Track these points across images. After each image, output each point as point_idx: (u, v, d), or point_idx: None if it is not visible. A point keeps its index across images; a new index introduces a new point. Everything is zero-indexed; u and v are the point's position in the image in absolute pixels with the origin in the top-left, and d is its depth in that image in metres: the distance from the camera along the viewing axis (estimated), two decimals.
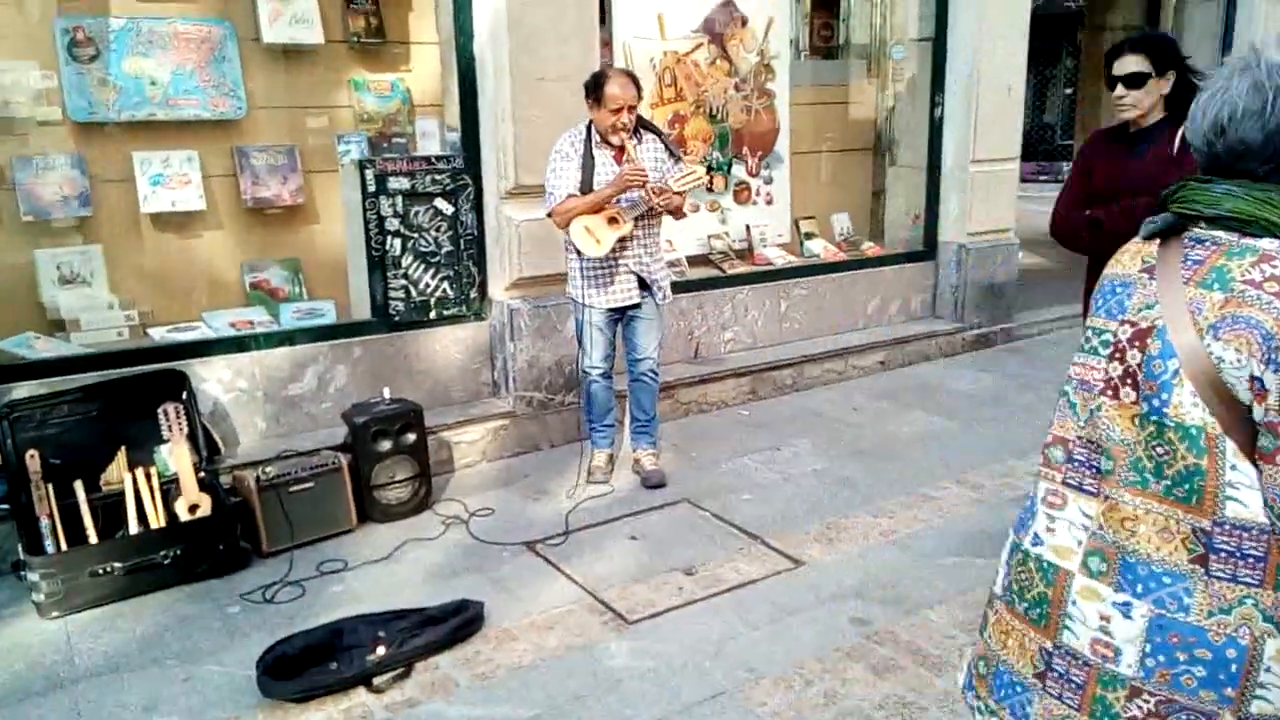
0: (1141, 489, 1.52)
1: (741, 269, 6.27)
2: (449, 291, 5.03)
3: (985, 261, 6.87)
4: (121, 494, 3.82)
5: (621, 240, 4.28)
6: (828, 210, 7.02)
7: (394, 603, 3.57)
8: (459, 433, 4.92)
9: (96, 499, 3.80)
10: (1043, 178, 15.07)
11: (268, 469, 4.08)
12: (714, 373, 5.79)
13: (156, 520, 3.83)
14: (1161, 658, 1.49)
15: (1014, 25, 6.65)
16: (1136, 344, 1.54)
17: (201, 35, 4.64)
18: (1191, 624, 1.46)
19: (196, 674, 3.19)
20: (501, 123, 4.86)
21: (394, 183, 4.79)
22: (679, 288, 5.48)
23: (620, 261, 4.36)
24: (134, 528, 3.78)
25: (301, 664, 3.12)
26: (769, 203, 6.61)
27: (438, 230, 4.95)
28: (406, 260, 4.88)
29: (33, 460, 3.68)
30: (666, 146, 4.44)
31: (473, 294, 5.10)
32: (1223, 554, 1.44)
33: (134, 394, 4.04)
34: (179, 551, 3.75)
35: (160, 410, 3.90)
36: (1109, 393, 1.57)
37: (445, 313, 5.04)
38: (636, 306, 4.47)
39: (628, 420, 4.88)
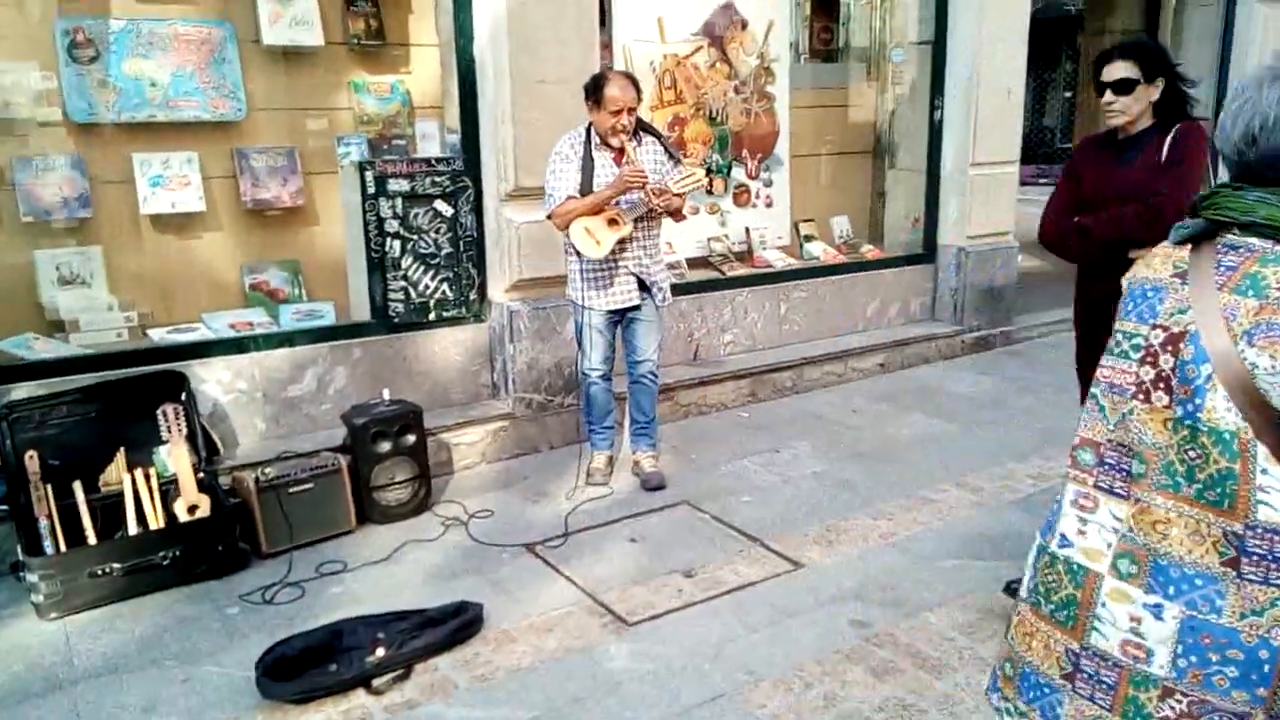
0: (1173, 492, 1.53)
1: (741, 271, 6.28)
2: (448, 293, 5.03)
3: (985, 264, 6.87)
4: (121, 495, 3.81)
5: (621, 242, 4.28)
6: (827, 213, 7.03)
7: (393, 604, 3.57)
8: (458, 434, 4.92)
9: (95, 500, 3.80)
10: (1042, 181, 15.08)
11: (267, 470, 4.07)
12: (713, 375, 5.79)
13: (155, 521, 3.82)
14: (1194, 659, 1.50)
15: (1013, 28, 6.65)
16: (1169, 348, 1.55)
17: (201, 37, 4.64)
18: (1224, 626, 1.47)
19: (195, 675, 3.19)
20: (501, 125, 4.86)
21: (394, 184, 4.79)
22: (679, 290, 5.48)
23: (620, 263, 4.36)
24: (133, 528, 3.78)
25: (301, 665, 3.11)
26: (769, 205, 6.62)
27: (437, 232, 4.95)
28: (406, 262, 4.88)
29: (32, 461, 3.67)
30: (666, 149, 4.44)
31: (472, 296, 5.10)
32: (1255, 557, 1.46)
33: (133, 395, 4.04)
34: (178, 552, 3.74)
35: (159, 411, 3.89)
36: (1140, 396, 1.58)
37: (445, 314, 5.04)
38: (636, 308, 4.47)
39: (627, 422, 4.88)
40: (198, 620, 3.54)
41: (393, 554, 4.03)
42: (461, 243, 5.02)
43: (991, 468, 4.81)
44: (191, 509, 3.85)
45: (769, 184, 6.59)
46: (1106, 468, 1.64)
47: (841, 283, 6.56)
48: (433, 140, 5.24)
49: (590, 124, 4.32)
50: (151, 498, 3.85)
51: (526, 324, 4.99)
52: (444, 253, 4.98)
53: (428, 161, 4.94)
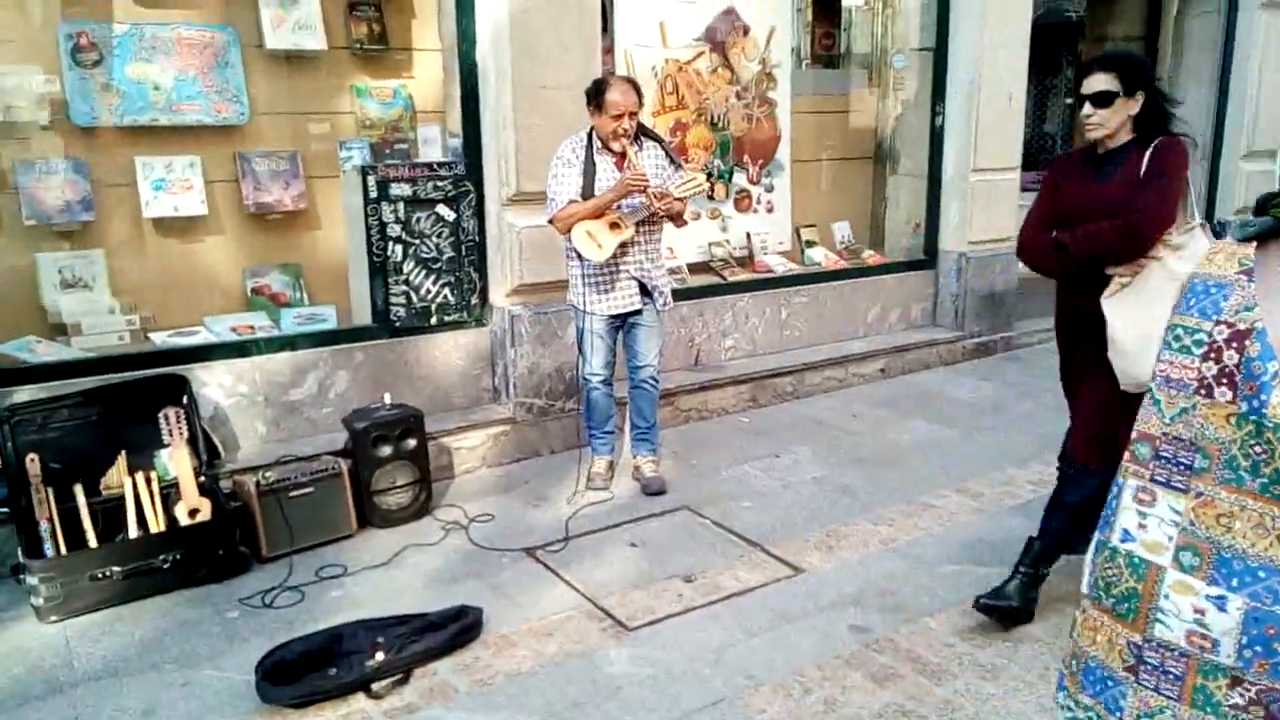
0: (1237, 486, 1.55)
1: (742, 276, 6.28)
2: (450, 297, 5.03)
3: (985, 270, 6.87)
4: (121, 498, 3.82)
5: (623, 246, 4.29)
6: (828, 218, 7.03)
7: (393, 608, 3.57)
8: (459, 438, 4.92)
9: (96, 503, 3.80)
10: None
11: (268, 474, 4.08)
12: (714, 380, 5.79)
13: (156, 524, 3.82)
14: (1259, 648, 1.52)
15: (1015, 35, 6.66)
16: (1234, 345, 1.56)
17: (205, 41, 4.65)
18: None
19: (195, 679, 3.19)
20: (503, 129, 4.87)
21: (396, 189, 4.80)
22: (680, 295, 5.49)
23: (621, 267, 4.37)
24: (134, 532, 3.78)
25: (300, 669, 3.11)
26: (770, 210, 6.62)
27: (439, 236, 4.95)
28: (408, 266, 4.89)
29: (33, 464, 3.67)
30: (667, 154, 4.45)
31: (474, 300, 5.10)
32: None
33: (134, 398, 4.04)
34: (178, 556, 3.75)
35: (161, 414, 3.90)
36: (1202, 392, 1.60)
37: (446, 319, 5.04)
38: (637, 313, 4.47)
39: (628, 427, 4.88)
40: (198, 624, 3.54)
41: (393, 558, 4.03)
42: (463, 247, 5.03)
43: (992, 473, 4.81)
44: (192, 512, 3.85)
45: (770, 189, 6.60)
46: (1163, 461, 1.65)
47: (843, 288, 6.57)
48: (435, 145, 5.25)
49: (592, 129, 4.33)
50: (152, 501, 3.85)
51: (528, 328, 4.99)
52: (445, 257, 4.99)
53: (430, 166, 4.95)
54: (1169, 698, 1.62)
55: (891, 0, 7.06)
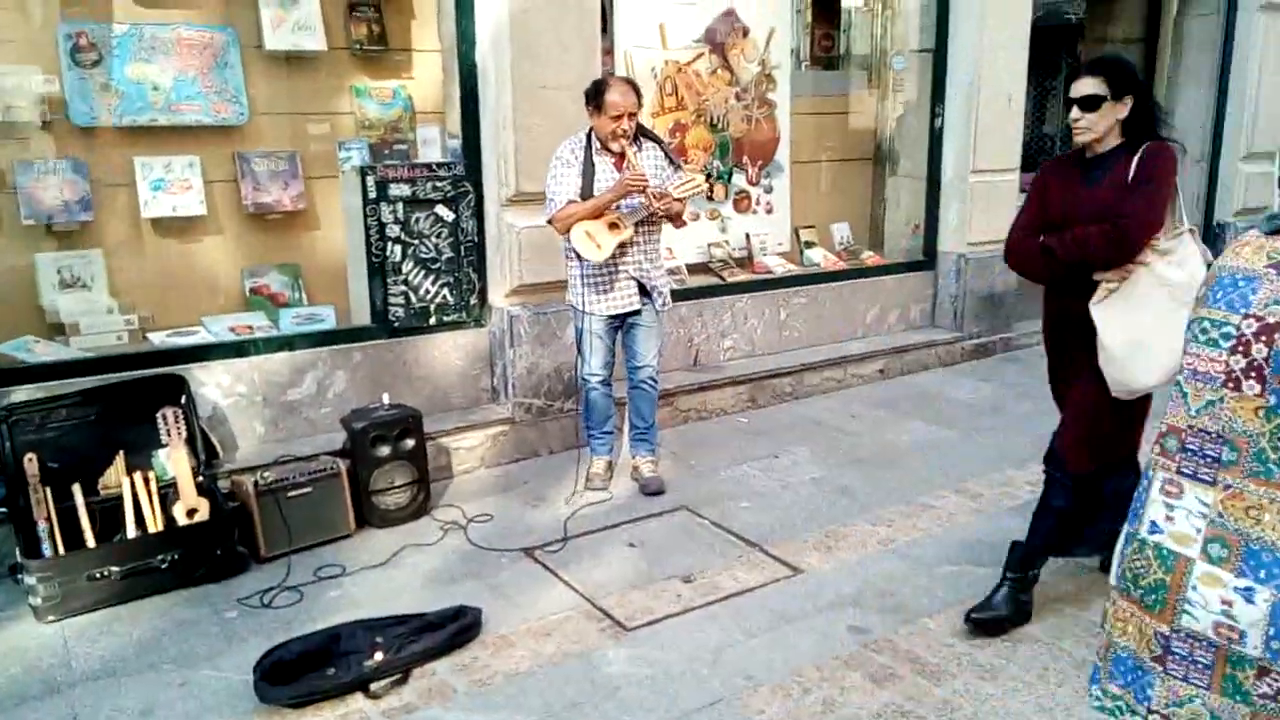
0: (1266, 479, 1.56)
1: (741, 277, 6.28)
2: (449, 298, 5.03)
3: (984, 271, 6.87)
4: (119, 498, 3.81)
5: (622, 246, 4.29)
6: (828, 219, 7.03)
7: (392, 608, 3.56)
8: (458, 439, 4.92)
9: (94, 503, 3.79)
10: None
11: (266, 474, 4.07)
12: (713, 380, 5.79)
13: (154, 524, 3.82)
14: None
15: (1014, 36, 6.67)
16: (1263, 338, 1.57)
17: (204, 41, 4.65)
18: None
19: (193, 679, 3.18)
20: (502, 130, 4.87)
21: (395, 189, 4.80)
22: (679, 295, 5.49)
23: (620, 267, 4.37)
24: (132, 532, 3.77)
25: (299, 669, 3.11)
26: (769, 211, 6.62)
27: (438, 237, 4.95)
28: (407, 266, 4.89)
29: (31, 464, 3.67)
30: (666, 154, 4.45)
31: (473, 300, 5.10)
32: None
33: (133, 398, 4.04)
34: (177, 556, 3.74)
35: (159, 414, 3.90)
36: (1230, 385, 1.60)
37: (445, 319, 5.04)
38: (636, 313, 4.47)
39: (627, 427, 4.88)
40: (196, 624, 3.53)
41: (391, 558, 4.03)
42: (462, 247, 5.03)
43: (991, 474, 4.81)
44: (190, 512, 3.85)
45: (769, 190, 6.60)
46: (1189, 454, 1.66)
47: (841, 289, 6.57)
48: (434, 145, 5.25)
49: (591, 129, 4.33)
50: (150, 501, 3.84)
51: (527, 329, 4.99)
52: (445, 257, 4.98)
53: (429, 166, 4.94)
54: (1199, 686, 1.64)
55: (891, 2, 7.07)
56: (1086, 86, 3.14)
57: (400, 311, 4.91)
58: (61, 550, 3.64)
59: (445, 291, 5.02)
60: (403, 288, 4.90)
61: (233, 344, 4.56)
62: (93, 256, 4.57)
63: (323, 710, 3.00)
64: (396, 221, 4.83)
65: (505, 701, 3.02)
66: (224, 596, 3.72)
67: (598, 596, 3.67)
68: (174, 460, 3.89)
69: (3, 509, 3.78)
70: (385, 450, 4.31)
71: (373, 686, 3.07)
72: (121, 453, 3.94)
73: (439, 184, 4.91)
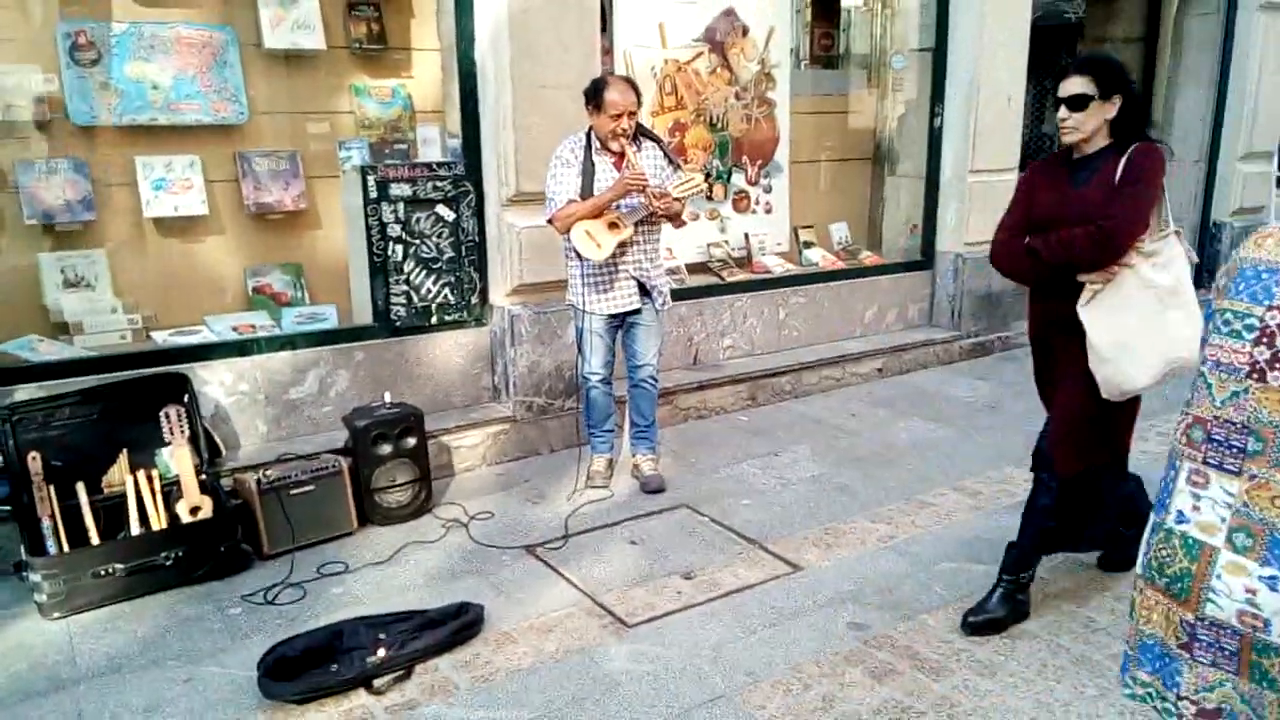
0: None
1: (740, 277, 6.30)
2: (450, 297, 5.05)
3: (982, 271, 6.87)
4: (123, 496, 3.83)
5: (622, 245, 4.30)
6: (826, 219, 7.05)
7: (394, 605, 3.58)
8: (459, 437, 4.94)
9: (98, 501, 3.81)
10: None
11: (269, 472, 4.09)
12: (713, 379, 5.81)
13: (158, 522, 3.84)
14: None
15: (1014, 36, 6.68)
16: None
17: (203, 40, 4.66)
18: None
19: (197, 675, 3.20)
20: (502, 129, 4.88)
21: (395, 189, 4.82)
22: (678, 295, 5.51)
23: (620, 266, 4.38)
24: (135, 529, 3.79)
25: (302, 666, 3.13)
26: (768, 211, 6.64)
27: (439, 236, 4.97)
28: (408, 266, 4.91)
29: (35, 462, 3.69)
30: (665, 154, 4.46)
31: (474, 300, 5.12)
32: None
33: (136, 397, 4.05)
34: (180, 553, 3.76)
35: (162, 413, 3.91)
36: (1255, 376, 1.62)
37: (446, 318, 5.06)
38: (636, 312, 4.49)
39: (627, 426, 4.90)
40: (200, 620, 3.55)
41: (394, 555, 4.05)
42: (463, 247, 5.04)
43: (989, 472, 4.83)
44: (194, 510, 3.87)
45: (769, 190, 6.61)
46: (1215, 444, 1.68)
47: (840, 288, 6.59)
48: (434, 145, 5.26)
49: (590, 128, 4.35)
50: (154, 499, 3.86)
51: (527, 328, 5.01)
52: (445, 257, 5.00)
53: (429, 166, 4.96)
54: (1227, 671, 1.66)
55: (890, 1, 7.08)
56: (1074, 86, 3.11)
57: (402, 311, 4.93)
58: (66, 548, 3.66)
59: (446, 291, 5.03)
60: (404, 287, 4.91)
61: (235, 343, 4.58)
62: (95, 256, 4.58)
63: (326, 706, 3.01)
64: (397, 221, 4.84)
65: (507, 698, 3.04)
66: (227, 593, 3.74)
67: (599, 593, 3.69)
68: (177, 458, 3.91)
69: (7, 507, 3.79)
70: (387, 448, 4.32)
71: (376, 683, 3.09)
72: (125, 451, 3.96)
73: (439, 183, 4.93)
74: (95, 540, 3.70)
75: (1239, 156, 8.61)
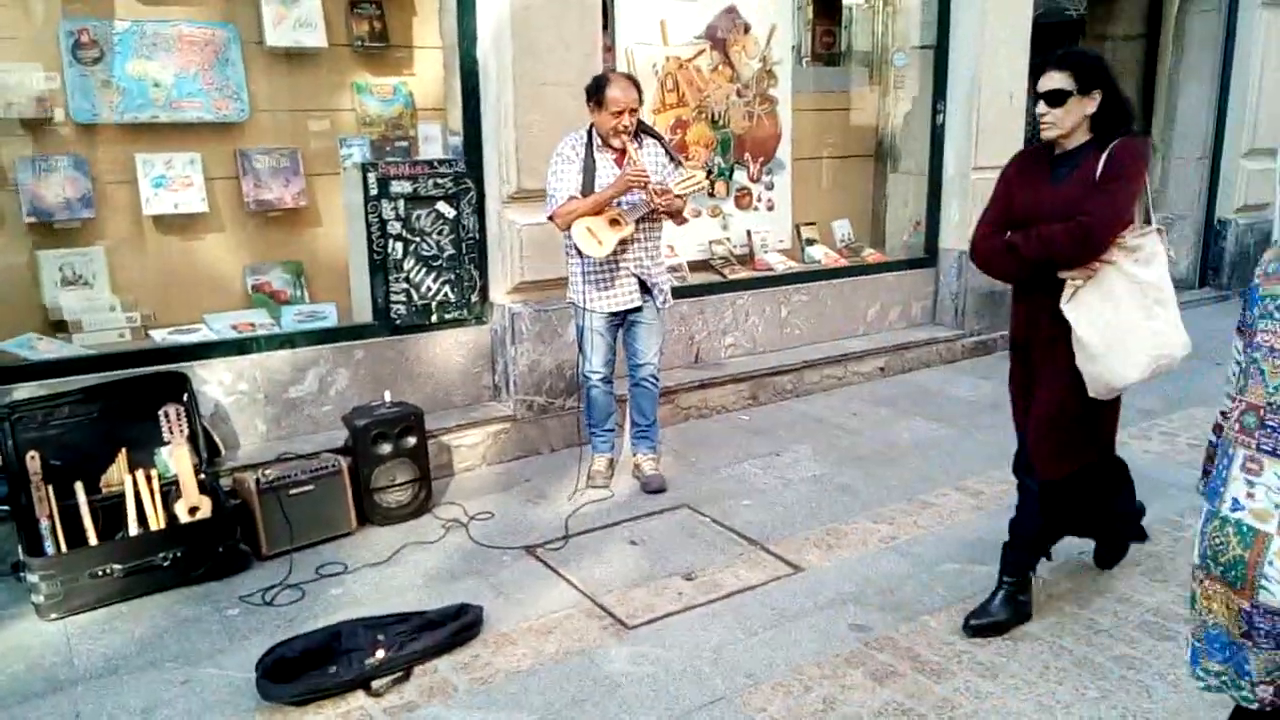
0: None
1: (742, 274, 6.28)
2: (450, 295, 5.03)
3: None
4: (122, 495, 3.82)
5: (623, 242, 4.29)
6: (829, 216, 7.03)
7: (393, 606, 3.57)
8: (459, 436, 4.92)
9: (97, 500, 3.80)
10: None
11: (268, 471, 4.08)
12: (714, 378, 5.79)
13: (156, 522, 3.83)
14: None
15: (1016, 33, 6.66)
16: None
17: (205, 38, 4.65)
18: None
19: (195, 676, 3.19)
20: (504, 127, 4.87)
21: (396, 186, 4.80)
22: (680, 293, 5.49)
23: (621, 264, 4.37)
24: (134, 529, 3.78)
25: (300, 667, 3.12)
26: (770, 208, 6.62)
27: (439, 234, 4.95)
28: (408, 264, 4.89)
29: (33, 461, 3.68)
30: (667, 151, 4.44)
31: (474, 298, 5.10)
32: None
33: (135, 395, 4.04)
34: (179, 553, 3.75)
35: (161, 412, 3.90)
36: None
37: (446, 316, 5.04)
38: (637, 310, 4.47)
39: (628, 425, 4.89)
40: (198, 621, 3.54)
41: (393, 556, 4.03)
42: (463, 245, 5.03)
43: (991, 472, 4.81)
44: (192, 510, 3.85)
45: (770, 187, 6.60)
46: (1269, 430, 1.69)
47: (842, 286, 6.57)
48: (435, 142, 5.25)
49: (592, 125, 4.33)
50: (152, 499, 3.85)
51: (528, 326, 5.00)
52: (446, 254, 4.99)
53: (430, 163, 4.94)
54: None
55: None
56: (1052, 81, 3.06)
57: (402, 309, 4.91)
58: (64, 548, 3.65)
59: (447, 289, 5.02)
60: (404, 285, 4.90)
61: (234, 341, 4.56)
62: (94, 254, 4.57)
63: (324, 708, 3.00)
64: (398, 218, 4.83)
65: (506, 699, 3.03)
66: (226, 594, 3.73)
67: (599, 594, 3.68)
68: (176, 458, 3.89)
69: (5, 507, 3.78)
70: (387, 448, 4.31)
71: (374, 684, 3.08)
72: (123, 450, 3.94)
73: (440, 181, 4.91)
74: (93, 541, 3.69)
75: (1242, 153, 8.59)
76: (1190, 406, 5.66)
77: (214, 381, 4.46)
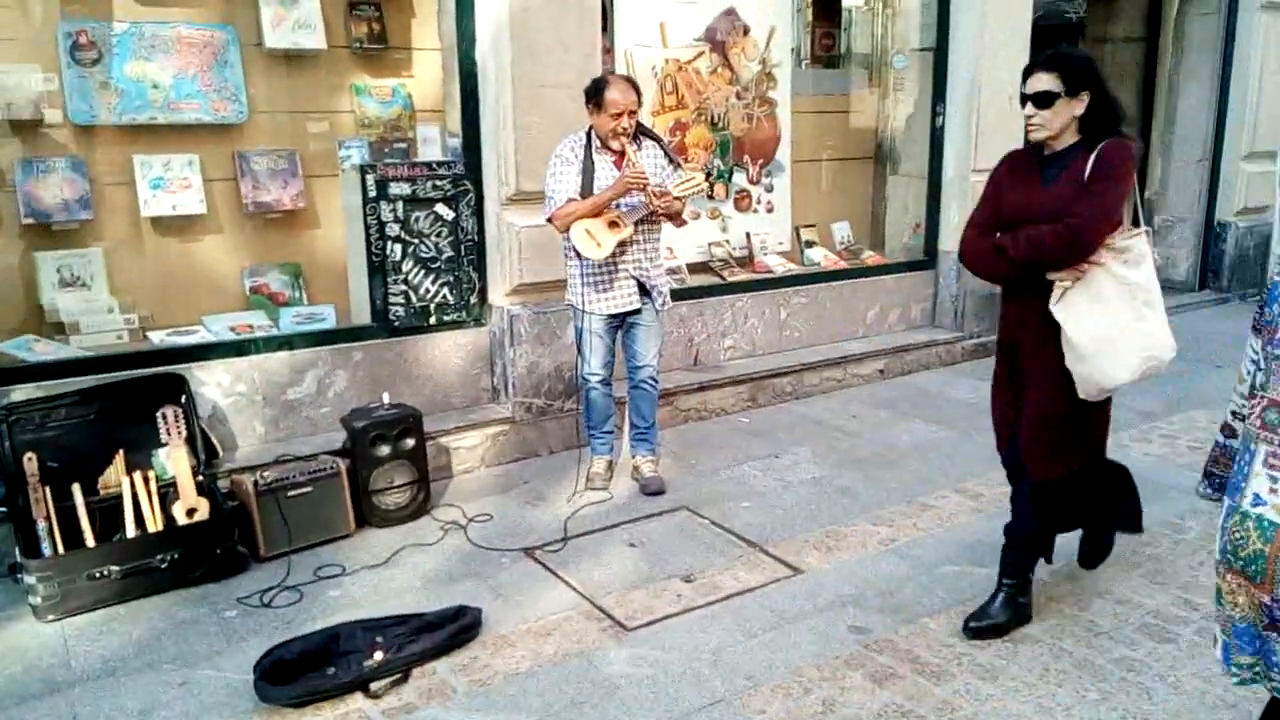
0: None
1: (742, 276, 6.28)
2: (449, 297, 5.03)
3: None
4: (119, 497, 3.81)
5: (622, 244, 4.28)
6: (828, 218, 7.03)
7: (392, 608, 3.56)
8: (458, 438, 4.92)
9: (94, 502, 3.79)
10: None
11: (266, 473, 4.07)
12: (713, 380, 5.79)
13: (154, 524, 3.82)
14: None
15: (1015, 35, 6.66)
16: None
17: (204, 40, 4.64)
18: None
19: (193, 678, 3.18)
20: (502, 129, 4.86)
21: (395, 188, 4.79)
22: (679, 295, 5.49)
23: (620, 266, 4.36)
24: (131, 531, 3.77)
25: (298, 669, 3.11)
26: (770, 210, 6.62)
27: (438, 236, 4.95)
28: (407, 265, 4.88)
29: (30, 463, 3.67)
30: (666, 153, 4.44)
31: (473, 300, 5.10)
32: None
33: (133, 397, 4.04)
34: (176, 555, 3.74)
35: (159, 414, 3.89)
36: None
37: (445, 318, 5.04)
38: (636, 313, 4.47)
39: (627, 427, 4.88)
40: (195, 623, 3.53)
41: (391, 558, 4.02)
42: (462, 246, 5.02)
43: (991, 474, 4.78)
44: (190, 512, 3.84)
45: (770, 189, 6.59)
46: None
47: (842, 288, 6.56)
48: (434, 144, 5.24)
49: (591, 127, 4.33)
50: (150, 500, 3.84)
51: (527, 328, 4.99)
52: (444, 256, 4.98)
53: (429, 165, 4.94)
54: None
55: (891, 1, 7.06)
56: (1040, 83, 3.05)
57: (400, 311, 4.90)
58: (61, 550, 3.64)
59: (445, 291, 5.01)
60: (403, 287, 4.89)
61: (233, 343, 4.56)
62: (92, 255, 4.56)
63: (323, 710, 2.99)
64: (396, 220, 4.82)
65: (505, 701, 3.02)
66: (224, 596, 3.72)
67: (598, 596, 3.67)
68: (174, 459, 3.89)
69: (2, 508, 3.78)
70: (385, 450, 4.30)
71: (373, 686, 3.07)
72: (121, 452, 3.94)
73: (439, 183, 4.91)
74: (91, 542, 3.69)
75: (1242, 156, 8.59)
76: (1190, 409, 5.65)
77: (212, 383, 4.45)
